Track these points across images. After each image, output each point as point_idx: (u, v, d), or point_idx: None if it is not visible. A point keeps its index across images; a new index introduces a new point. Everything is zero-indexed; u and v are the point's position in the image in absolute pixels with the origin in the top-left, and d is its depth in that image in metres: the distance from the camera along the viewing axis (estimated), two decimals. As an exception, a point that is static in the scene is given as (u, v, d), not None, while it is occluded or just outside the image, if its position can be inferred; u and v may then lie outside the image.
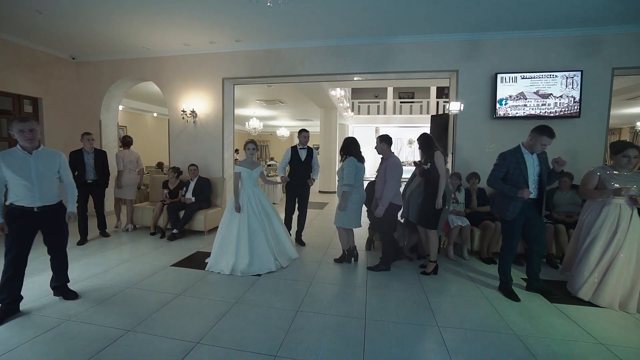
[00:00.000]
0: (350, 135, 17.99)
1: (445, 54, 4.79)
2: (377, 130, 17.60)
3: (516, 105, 4.53)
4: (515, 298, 2.97)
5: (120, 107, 9.71)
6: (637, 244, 2.81)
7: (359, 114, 17.22)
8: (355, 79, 5.62)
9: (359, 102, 17.43)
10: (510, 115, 4.54)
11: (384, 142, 3.64)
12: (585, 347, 2.27)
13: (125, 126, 10.44)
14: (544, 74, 4.44)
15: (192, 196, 5.04)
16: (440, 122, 5.26)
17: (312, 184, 4.56)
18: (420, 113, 16.14)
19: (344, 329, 2.42)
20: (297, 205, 4.68)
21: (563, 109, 4.42)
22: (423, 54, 4.85)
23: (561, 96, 4.41)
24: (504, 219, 3.06)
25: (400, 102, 17.06)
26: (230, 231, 3.61)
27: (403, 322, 2.54)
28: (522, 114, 4.51)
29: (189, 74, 5.64)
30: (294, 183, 4.53)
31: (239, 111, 12.99)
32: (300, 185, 4.51)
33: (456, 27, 4.49)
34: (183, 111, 5.56)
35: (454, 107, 4.69)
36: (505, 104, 4.55)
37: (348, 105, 13.45)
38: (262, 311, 2.67)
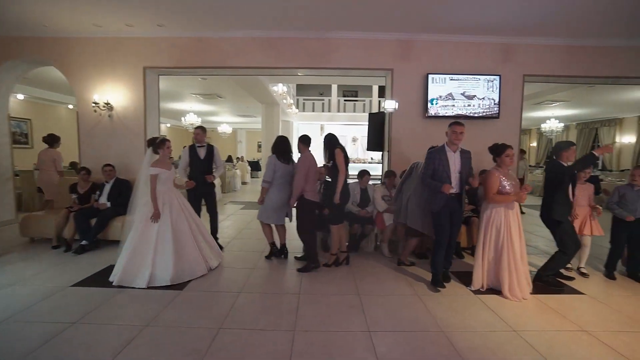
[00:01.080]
0: (298, 133, 17.84)
1: (381, 52, 4.83)
2: (322, 127, 17.65)
3: (445, 105, 4.74)
4: (441, 286, 3.19)
5: (21, 96, 8.29)
6: (519, 236, 3.04)
7: (303, 111, 17.11)
8: (298, 74, 5.45)
9: (303, 99, 17.32)
10: (440, 115, 4.74)
11: (300, 142, 3.71)
12: (502, 336, 2.37)
13: (29, 119, 8.91)
14: (469, 76, 4.71)
15: (108, 201, 4.39)
16: (377, 119, 5.32)
17: (212, 180, 4.25)
18: (364, 111, 16.57)
19: (270, 345, 2.21)
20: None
21: (485, 110, 4.75)
22: (360, 51, 4.83)
23: (484, 98, 4.73)
24: (432, 211, 3.21)
25: (345, 101, 17.34)
26: (146, 239, 3.17)
27: (334, 330, 2.41)
28: (451, 114, 4.74)
29: (103, 60, 4.91)
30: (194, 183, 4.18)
31: (173, 105, 11.99)
32: (201, 185, 4.18)
33: (392, 27, 4.54)
34: (95, 103, 4.82)
35: (389, 105, 4.75)
36: (436, 104, 4.74)
37: (292, 101, 13.22)
38: (178, 333, 2.33)
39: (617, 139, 11.88)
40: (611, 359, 2.15)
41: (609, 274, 3.55)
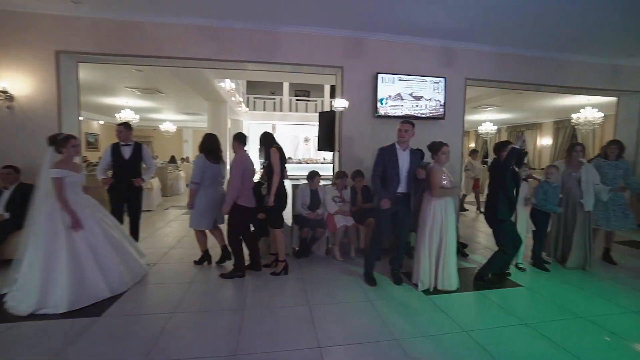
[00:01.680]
0: (243, 131, 17.17)
1: (331, 49, 4.68)
2: (273, 127, 17.23)
3: (394, 105, 4.75)
4: (372, 283, 3.23)
5: None
6: (451, 230, 3.16)
7: (254, 109, 16.54)
8: (246, 69, 5.08)
9: (254, 98, 16.75)
10: (389, 115, 4.74)
11: (236, 140, 3.49)
12: (453, 339, 2.33)
13: None
14: (416, 77, 4.77)
15: (7, 211, 3.62)
16: (328, 119, 5.18)
17: (139, 183, 3.78)
18: (316, 111, 16.51)
19: (206, 376, 1.90)
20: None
21: (432, 111, 4.85)
22: (310, 47, 4.63)
23: (430, 99, 4.83)
24: (375, 208, 3.22)
25: (297, 100, 17.12)
26: (55, 255, 2.62)
27: (281, 350, 2.17)
28: (400, 114, 4.76)
29: (9, 39, 4.06)
30: (117, 186, 3.73)
31: (105, 100, 10.71)
32: (125, 188, 3.73)
33: (342, 23, 4.41)
34: (-10, 91, 3.96)
35: (339, 103, 4.63)
36: (385, 104, 4.72)
37: (241, 99, 12.64)
38: (87, 373, 1.90)
39: (538, 141, 13.34)
40: (550, 350, 2.21)
41: (537, 263, 3.83)
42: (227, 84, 9.48)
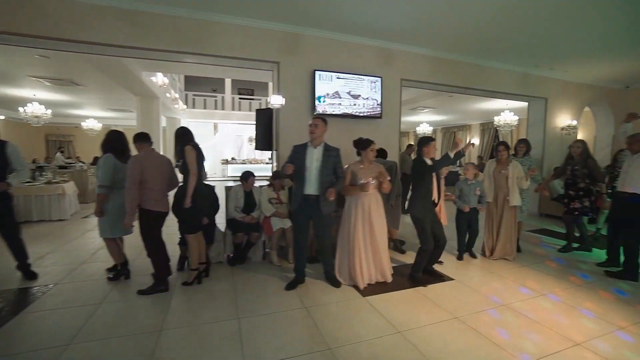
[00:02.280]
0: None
1: (267, 43, 4.44)
2: (215, 126, 16.40)
3: (333, 104, 4.68)
4: (290, 288, 3.11)
5: None
6: (378, 227, 3.18)
7: (193, 107, 15.52)
8: (174, 60, 4.58)
9: (193, 95, 15.71)
10: (328, 113, 4.65)
11: (136, 139, 3.16)
12: (388, 341, 2.27)
13: None
14: (354, 76, 4.76)
15: None
16: (265, 117, 4.93)
17: (4, 188, 3.11)
18: (260, 111, 16.04)
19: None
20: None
21: (369, 110, 4.89)
22: (244, 40, 4.33)
23: (368, 98, 4.86)
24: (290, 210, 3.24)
25: (240, 99, 16.46)
26: None
27: (198, 377, 1.89)
28: (339, 112, 4.71)
29: None
30: None
31: (7, 90, 9.10)
32: None
33: (278, 16, 4.20)
34: None
35: (276, 100, 4.41)
36: (323, 102, 4.63)
37: (177, 95, 11.71)
38: None
39: (468, 141, 14.58)
40: (476, 342, 2.27)
41: (460, 256, 4.08)
42: (160, 78, 8.65)
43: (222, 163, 15.37)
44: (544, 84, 6.56)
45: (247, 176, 3.87)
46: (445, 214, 3.70)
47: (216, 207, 3.81)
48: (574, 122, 6.95)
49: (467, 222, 4.02)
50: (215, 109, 15.83)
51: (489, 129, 13.50)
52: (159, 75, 8.57)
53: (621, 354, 2.16)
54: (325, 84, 4.62)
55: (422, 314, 2.68)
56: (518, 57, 5.68)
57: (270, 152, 5.05)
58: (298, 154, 3.09)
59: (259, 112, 5.11)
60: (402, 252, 4.29)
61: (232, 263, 3.77)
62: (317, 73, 4.56)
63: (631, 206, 3.35)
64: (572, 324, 2.54)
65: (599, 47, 5.17)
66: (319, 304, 2.84)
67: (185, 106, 14.04)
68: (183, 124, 14.71)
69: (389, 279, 3.26)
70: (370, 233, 3.14)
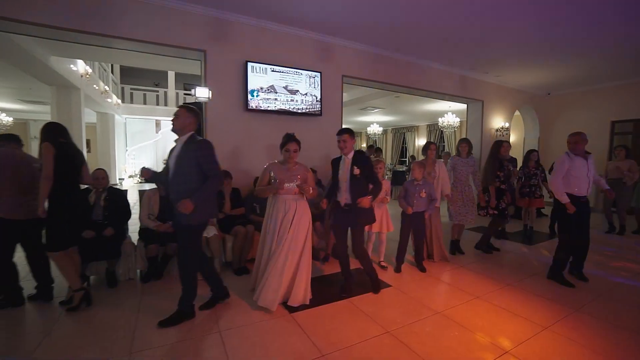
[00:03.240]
0: (125, 128, 14.52)
1: (191, 28, 3.94)
2: (157, 123, 15.12)
3: (268, 99, 4.31)
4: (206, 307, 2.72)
5: None
6: (302, 238, 2.72)
7: (131, 102, 14.13)
8: (70, 40, 3.83)
9: (131, 89, 14.30)
10: (262, 109, 4.28)
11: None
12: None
13: None
14: (291, 69, 4.45)
15: None
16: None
17: None
18: (207, 108, 15.10)
19: None
20: None
21: (308, 107, 4.60)
22: (163, 22, 3.78)
23: (306, 94, 4.57)
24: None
25: (185, 94, 15.33)
26: None
27: None
28: (274, 108, 4.36)
29: None
30: None
31: None
32: None
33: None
34: None
35: (202, 93, 3.94)
36: (257, 96, 4.25)
37: (107, 88, 10.48)
38: None
39: (417, 142, 15.09)
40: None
41: (397, 267, 3.63)
42: (81, 67, 7.58)
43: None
44: (480, 87, 6.83)
45: None
46: (385, 220, 3.56)
47: (123, 214, 3.26)
48: (507, 124, 7.34)
49: (410, 227, 3.65)
50: (157, 104, 14.56)
51: (435, 130, 14.05)
52: (80, 63, 7.52)
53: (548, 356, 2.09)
54: (259, 77, 4.24)
55: (353, 330, 2.42)
56: (456, 60, 5.80)
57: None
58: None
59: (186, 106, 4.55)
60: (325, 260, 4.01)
61: (145, 279, 3.23)
62: (250, 65, 4.17)
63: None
64: (501, 328, 2.45)
65: (525, 54, 5.43)
66: (237, 325, 2.45)
67: (119, 101, 12.69)
68: (118, 120, 13.32)
69: (299, 302, 2.70)
70: (290, 245, 2.67)
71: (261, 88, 4.25)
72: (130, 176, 13.54)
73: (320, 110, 4.69)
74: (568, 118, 8.05)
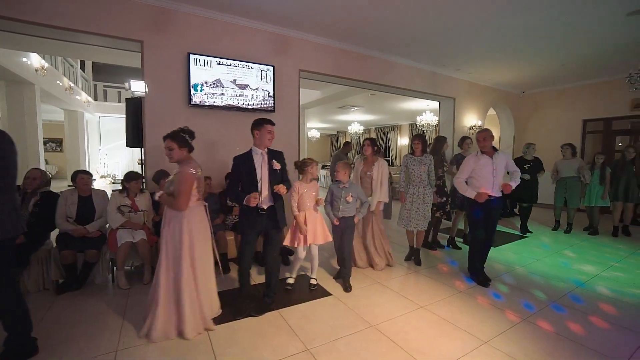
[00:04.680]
0: (99, 127, 13.99)
1: (126, 16, 3.62)
2: (132, 122, 14.59)
3: (213, 93, 4.03)
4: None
5: None
6: (202, 255, 2.33)
7: (105, 100, 13.68)
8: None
9: (104, 86, 13.84)
10: (207, 104, 4.00)
11: None
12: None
13: None
14: (240, 63, 4.17)
15: None
16: (136, 107, 4.10)
17: None
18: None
19: None
20: None
21: (259, 102, 4.33)
22: (93, 9, 3.47)
23: (257, 89, 4.30)
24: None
25: (118, 90, 14.74)
26: None
27: None
28: (221, 103, 4.07)
29: None
30: None
31: None
32: None
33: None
34: None
35: (137, 87, 3.63)
36: (201, 91, 3.96)
37: (72, 84, 10.03)
38: None
39: (399, 141, 14.94)
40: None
41: (345, 287, 3.13)
42: (35, 61, 7.17)
43: (139, 163, 13.72)
44: (452, 84, 6.65)
45: (74, 176, 3.06)
46: (320, 228, 3.03)
47: (50, 224, 2.97)
48: (479, 123, 7.19)
49: (340, 236, 3.17)
50: (132, 102, 14.08)
51: (417, 129, 13.90)
52: (33, 56, 7.10)
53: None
54: (204, 70, 3.95)
55: (269, 347, 2.17)
56: (425, 56, 5.59)
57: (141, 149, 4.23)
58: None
59: (128, 101, 4.23)
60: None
61: (61, 290, 2.92)
62: (193, 57, 3.88)
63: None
64: (435, 344, 2.22)
65: (497, 51, 5.26)
66: (143, 344, 2.18)
67: (90, 98, 12.22)
68: (89, 119, 12.84)
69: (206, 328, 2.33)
70: (191, 265, 2.26)
71: (205, 82, 3.97)
72: (102, 176, 13.06)
73: (273, 106, 4.42)
74: (542, 117, 7.95)
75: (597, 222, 5.33)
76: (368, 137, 3.47)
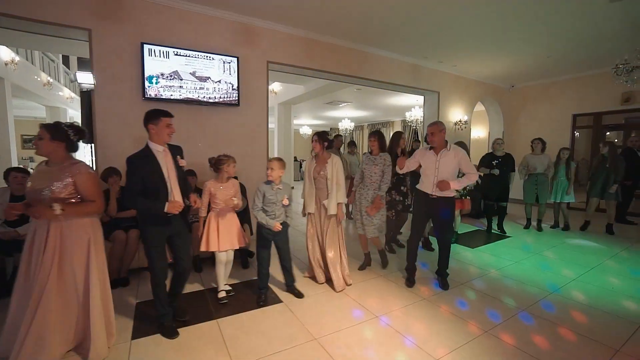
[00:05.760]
0: (74, 123, 13.69)
1: (75, 2, 3.38)
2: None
3: (170, 86, 3.79)
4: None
5: None
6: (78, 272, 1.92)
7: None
8: None
9: (90, 82, 13.50)
10: (164, 97, 3.76)
11: None
12: None
13: None
14: (200, 54, 3.92)
15: None
16: (90, 100, 3.86)
17: None
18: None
19: None
20: None
21: (222, 95, 4.09)
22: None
23: (220, 81, 4.06)
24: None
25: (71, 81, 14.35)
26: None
27: None
28: (179, 97, 3.84)
29: None
30: None
31: None
32: None
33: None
34: None
35: (84, 79, 3.40)
36: (157, 83, 3.72)
37: (50, 79, 9.77)
38: None
39: (392, 138, 14.66)
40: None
41: (260, 298, 2.78)
42: (5, 54, 6.92)
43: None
44: (436, 77, 6.39)
45: (10, 173, 2.83)
46: (235, 232, 2.78)
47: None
48: (465, 118, 6.94)
49: (268, 244, 2.76)
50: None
51: (409, 125, 13.64)
52: (2, 49, 6.85)
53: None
54: (159, 61, 3.71)
55: (195, 364, 1.95)
56: (405, 47, 5.33)
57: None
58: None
59: (83, 94, 3.99)
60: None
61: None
62: (147, 47, 3.63)
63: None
64: (380, 360, 2.01)
65: (477, 41, 4.99)
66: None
67: (73, 94, 11.96)
68: (73, 115, 12.59)
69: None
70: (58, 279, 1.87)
71: (162, 74, 3.73)
72: (89, 174, 12.80)
73: (238, 99, 4.18)
74: (531, 112, 7.69)
75: (568, 218, 5.23)
76: (316, 131, 3.07)
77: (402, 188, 3.92)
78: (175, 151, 2.30)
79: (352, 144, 6.26)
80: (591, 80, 6.60)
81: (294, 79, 7.16)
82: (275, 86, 9.46)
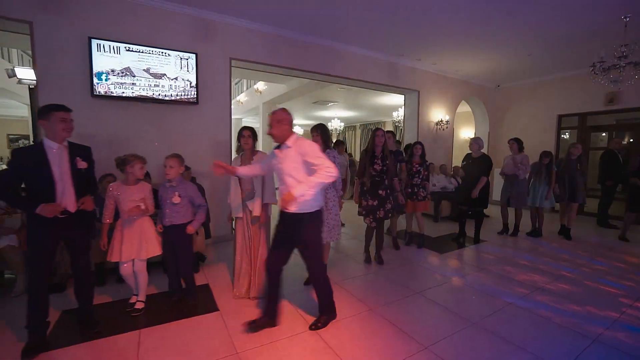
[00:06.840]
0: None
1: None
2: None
3: (122, 83, 3.65)
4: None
5: None
6: None
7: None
8: None
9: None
10: (115, 95, 3.62)
11: None
12: None
13: None
14: (155, 49, 3.78)
15: None
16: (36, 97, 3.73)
17: None
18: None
19: None
20: None
21: (179, 93, 3.94)
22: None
23: (176, 78, 3.91)
24: None
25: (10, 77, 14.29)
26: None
27: None
28: (131, 95, 3.69)
29: None
30: None
31: None
32: None
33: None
34: None
35: (25, 74, 3.26)
36: (106, 80, 3.57)
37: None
38: None
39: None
40: None
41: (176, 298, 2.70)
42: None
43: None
44: (415, 76, 6.22)
45: None
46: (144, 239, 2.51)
47: None
48: (447, 117, 6.76)
49: (172, 249, 2.60)
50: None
51: (400, 126, 13.46)
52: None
53: None
54: (109, 57, 3.56)
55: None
56: (377, 43, 5.17)
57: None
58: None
59: (32, 91, 3.88)
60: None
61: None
62: (95, 42, 3.49)
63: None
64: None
65: (453, 37, 4.82)
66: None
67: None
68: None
69: None
70: None
71: (112, 70, 3.58)
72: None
73: (196, 97, 4.03)
74: (517, 112, 7.50)
75: (541, 223, 4.96)
76: (246, 126, 2.75)
77: (379, 192, 3.54)
78: (79, 151, 2.14)
79: (339, 143, 5.80)
80: (576, 81, 6.40)
81: (274, 77, 7.01)
82: (260, 85, 9.31)
